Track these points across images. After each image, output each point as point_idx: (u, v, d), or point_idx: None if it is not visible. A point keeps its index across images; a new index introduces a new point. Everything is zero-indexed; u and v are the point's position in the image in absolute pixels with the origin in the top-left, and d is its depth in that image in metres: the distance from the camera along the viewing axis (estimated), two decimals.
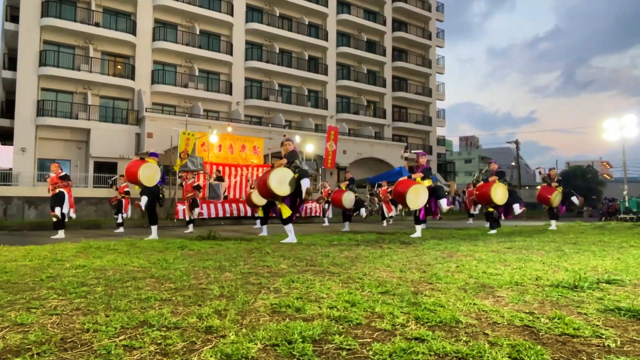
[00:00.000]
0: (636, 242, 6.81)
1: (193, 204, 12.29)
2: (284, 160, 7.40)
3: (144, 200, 8.92)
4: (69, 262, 4.51)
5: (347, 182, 12.56)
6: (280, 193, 7.14)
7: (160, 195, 9.19)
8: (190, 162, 17.77)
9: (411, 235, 8.64)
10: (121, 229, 12.11)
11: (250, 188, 13.26)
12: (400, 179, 9.86)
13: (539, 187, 12.32)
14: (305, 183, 7.13)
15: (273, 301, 2.73)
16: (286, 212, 7.28)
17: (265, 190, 7.24)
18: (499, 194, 10.25)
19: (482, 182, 10.90)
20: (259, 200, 10.70)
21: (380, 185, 18.17)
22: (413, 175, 9.27)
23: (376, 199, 23.67)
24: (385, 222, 16.08)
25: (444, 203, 9.56)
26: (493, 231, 10.08)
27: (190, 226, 12.00)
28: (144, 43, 25.35)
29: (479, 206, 17.59)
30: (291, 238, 7.20)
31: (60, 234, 9.70)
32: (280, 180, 7.14)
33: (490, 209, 10.63)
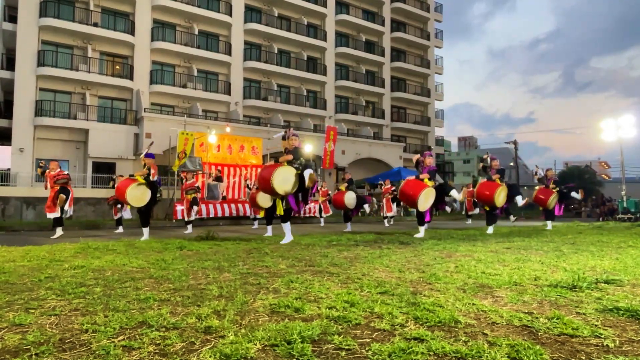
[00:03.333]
0: (634, 242, 6.83)
1: (192, 202, 12.10)
2: (290, 157, 7.14)
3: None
4: (67, 262, 4.50)
5: (346, 184, 12.53)
6: (283, 192, 7.01)
7: (158, 195, 9.14)
8: (189, 162, 17.77)
9: (415, 235, 8.62)
10: (120, 229, 12.00)
11: (252, 188, 13.07)
12: (409, 178, 9.59)
13: (537, 188, 12.28)
14: (308, 172, 7.02)
15: (272, 301, 2.73)
16: (280, 209, 7.30)
17: (268, 188, 7.09)
18: (502, 197, 10.02)
19: (484, 180, 10.39)
20: (264, 202, 10.55)
21: (381, 185, 17.84)
22: (421, 176, 9.09)
23: (374, 199, 23.68)
24: (386, 222, 15.85)
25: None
26: (490, 229, 10.00)
27: (190, 227, 11.93)
28: (143, 43, 25.30)
29: (477, 209, 17.60)
30: (288, 237, 7.12)
31: (58, 231, 9.74)
32: (285, 180, 6.96)
33: (487, 208, 10.53)
